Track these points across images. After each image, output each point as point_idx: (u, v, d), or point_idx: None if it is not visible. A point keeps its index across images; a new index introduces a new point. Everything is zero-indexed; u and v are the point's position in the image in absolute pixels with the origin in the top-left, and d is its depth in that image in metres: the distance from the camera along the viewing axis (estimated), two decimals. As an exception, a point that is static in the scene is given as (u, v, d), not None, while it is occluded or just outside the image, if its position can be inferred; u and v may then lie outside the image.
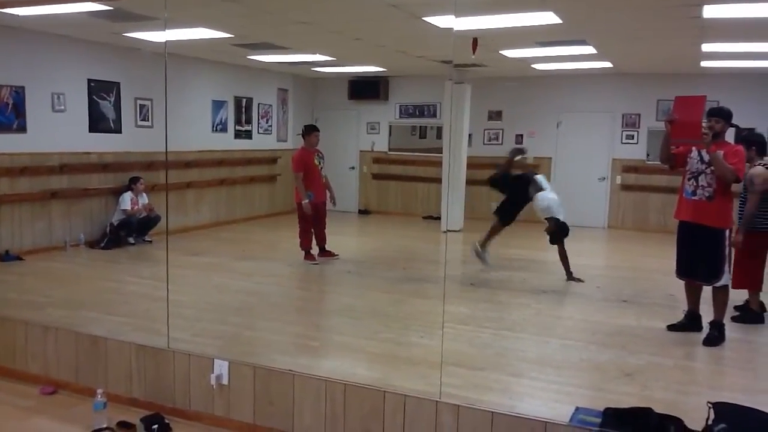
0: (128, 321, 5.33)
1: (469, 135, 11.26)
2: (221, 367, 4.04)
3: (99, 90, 8.94)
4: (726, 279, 5.10)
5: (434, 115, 12.49)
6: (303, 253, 8.00)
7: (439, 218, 11.53)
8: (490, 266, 7.53)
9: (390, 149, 13.01)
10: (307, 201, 7.76)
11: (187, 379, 4.17)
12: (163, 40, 5.98)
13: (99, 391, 4.10)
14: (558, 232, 7.16)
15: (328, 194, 8.17)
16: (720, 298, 5.14)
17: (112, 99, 9.14)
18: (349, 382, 3.76)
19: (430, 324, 5.28)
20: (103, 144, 8.99)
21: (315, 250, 8.07)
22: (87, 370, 4.51)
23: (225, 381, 4.03)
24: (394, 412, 3.58)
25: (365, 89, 12.77)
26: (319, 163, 8.00)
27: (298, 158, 7.92)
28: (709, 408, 3.28)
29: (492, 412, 3.40)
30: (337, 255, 8.10)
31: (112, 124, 9.16)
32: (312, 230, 8.02)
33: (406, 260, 8.11)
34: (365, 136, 13.15)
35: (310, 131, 8.04)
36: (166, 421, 4.04)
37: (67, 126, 8.51)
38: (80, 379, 4.53)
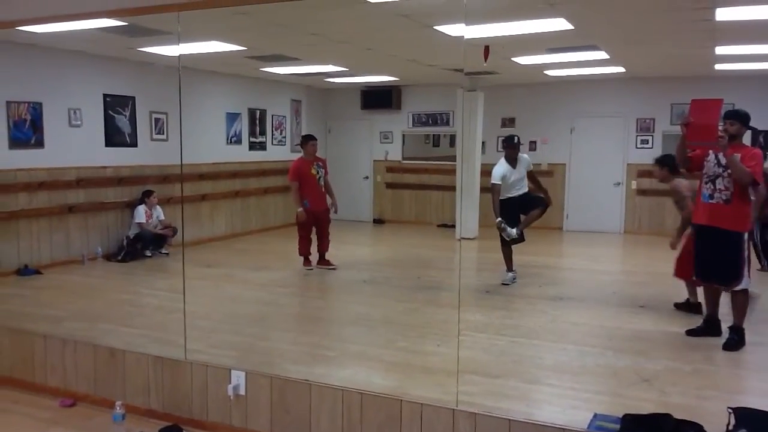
0: (145, 333, 5.36)
1: (483, 142, 11.25)
2: (238, 377, 4.05)
3: (114, 104, 9.04)
4: (745, 283, 5.04)
5: (447, 123, 12.50)
6: (312, 261, 8.13)
7: (453, 226, 11.50)
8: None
9: (403, 158, 13.02)
10: (301, 209, 7.90)
11: (204, 390, 4.19)
12: (177, 54, 6.04)
13: (118, 402, 4.13)
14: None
15: (330, 202, 8.26)
16: (739, 302, 5.09)
17: (128, 113, 9.24)
18: (365, 390, 3.76)
19: (446, 332, 5.27)
20: (119, 158, 9.08)
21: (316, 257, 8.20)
22: (105, 382, 4.54)
23: (242, 391, 4.04)
24: (411, 420, 3.57)
25: (378, 99, 12.81)
26: (317, 173, 8.08)
27: (293, 168, 8.14)
28: (730, 413, 3.25)
29: (509, 419, 3.39)
30: (335, 266, 8.11)
31: (127, 138, 9.25)
32: (310, 238, 8.12)
33: (420, 269, 8.10)
34: (378, 145, 13.17)
35: (306, 141, 8.23)
36: (184, 432, 4.07)
37: (84, 140, 8.61)
38: (99, 391, 4.56)
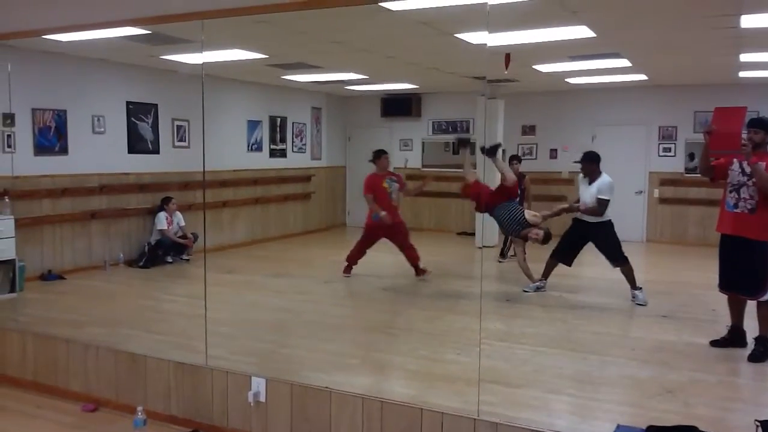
0: (166, 339, 5.40)
1: (503, 150, 11.19)
2: (258, 384, 4.06)
3: (137, 112, 9.13)
4: (771, 293, 4.97)
5: (467, 131, 12.46)
6: (342, 270, 8.13)
7: (473, 234, 11.45)
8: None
9: (423, 166, 13.00)
10: (384, 213, 7.86)
11: (224, 396, 4.20)
12: (200, 62, 6.10)
13: (139, 408, 4.16)
14: None
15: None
16: (765, 312, 5.01)
17: (150, 120, 9.33)
18: (385, 399, 3.75)
19: (467, 341, 5.24)
20: (141, 165, 9.17)
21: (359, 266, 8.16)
22: (127, 387, 4.57)
23: (262, 398, 4.05)
24: (432, 430, 3.55)
25: (398, 106, 12.81)
26: (389, 186, 8.00)
27: (366, 183, 8.07)
28: (757, 426, 3.20)
29: (531, 429, 3.36)
30: (430, 271, 8.01)
31: (150, 145, 9.34)
32: (365, 250, 8.09)
33: (440, 277, 8.07)
34: (398, 153, 13.14)
35: (378, 156, 8.15)
36: (205, 438, 4.08)
37: (107, 147, 8.70)
38: (120, 396, 4.59)
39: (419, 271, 8.01)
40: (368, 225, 8.06)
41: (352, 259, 8.13)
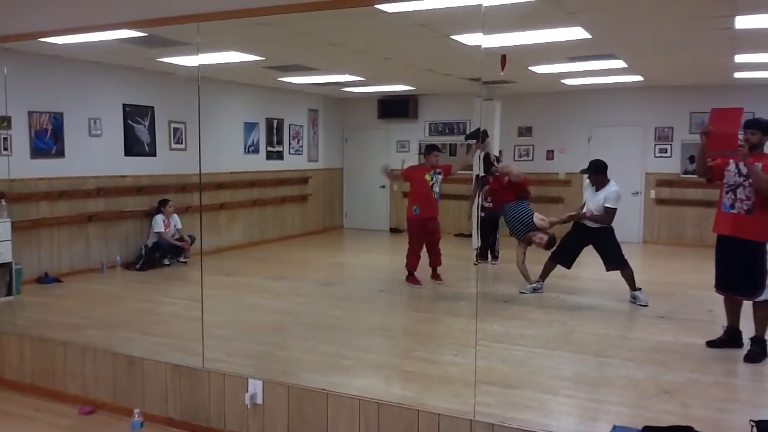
0: (164, 341, 5.39)
1: (500, 151, 11.22)
2: (255, 386, 4.06)
3: (134, 114, 9.13)
4: (767, 293, 4.98)
5: (464, 133, 12.42)
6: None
7: (470, 236, 11.47)
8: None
9: (420, 167, 13.00)
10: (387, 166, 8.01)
11: (221, 398, 4.20)
12: (196, 65, 6.10)
13: (136, 410, 4.16)
14: None
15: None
16: (761, 313, 5.02)
17: (147, 123, 9.32)
18: (382, 400, 3.75)
19: (464, 342, 5.25)
20: (138, 167, 9.16)
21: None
22: (124, 390, 4.57)
23: (259, 400, 4.05)
24: (428, 431, 3.56)
25: (394, 108, 12.83)
26: (431, 179, 7.79)
27: (407, 168, 8.16)
28: (752, 426, 3.21)
29: (527, 430, 3.36)
30: (442, 281, 7.79)
31: (146, 148, 9.34)
32: (420, 251, 7.79)
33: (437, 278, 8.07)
34: (395, 154, 13.15)
35: (429, 152, 8.01)
36: (202, 440, 4.08)
37: (104, 150, 8.69)
38: (118, 398, 4.59)
39: (435, 275, 7.84)
40: (409, 220, 7.86)
41: (411, 266, 7.78)
